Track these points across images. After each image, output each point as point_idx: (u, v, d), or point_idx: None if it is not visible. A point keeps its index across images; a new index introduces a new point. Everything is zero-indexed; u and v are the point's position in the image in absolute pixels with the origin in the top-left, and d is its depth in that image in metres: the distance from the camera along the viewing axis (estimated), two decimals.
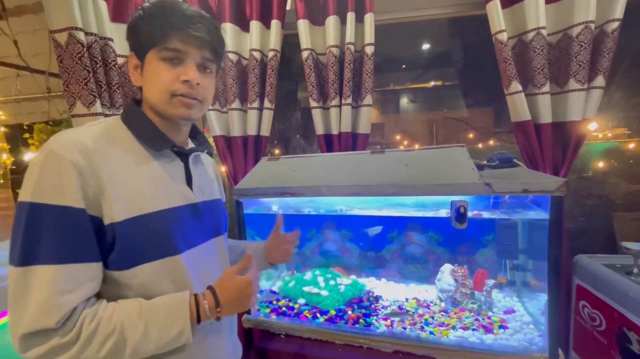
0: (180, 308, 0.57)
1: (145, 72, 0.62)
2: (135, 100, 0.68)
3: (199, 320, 0.59)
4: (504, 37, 1.19)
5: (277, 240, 0.90)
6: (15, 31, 1.84)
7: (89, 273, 0.53)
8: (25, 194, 0.51)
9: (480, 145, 2.12)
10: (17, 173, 2.71)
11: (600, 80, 1.16)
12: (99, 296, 0.57)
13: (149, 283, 0.58)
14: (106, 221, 0.54)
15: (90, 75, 1.10)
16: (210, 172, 0.80)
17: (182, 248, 0.62)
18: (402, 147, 2.15)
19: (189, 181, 0.68)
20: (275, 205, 1.39)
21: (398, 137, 2.29)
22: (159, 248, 0.59)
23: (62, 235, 0.51)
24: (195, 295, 0.61)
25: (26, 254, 0.50)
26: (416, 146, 2.14)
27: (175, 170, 0.66)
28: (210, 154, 0.80)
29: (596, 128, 1.81)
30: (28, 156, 2.37)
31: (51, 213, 0.50)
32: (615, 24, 1.12)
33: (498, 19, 1.18)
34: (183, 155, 0.69)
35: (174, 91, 0.60)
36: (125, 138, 0.61)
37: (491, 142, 2.11)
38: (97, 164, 0.54)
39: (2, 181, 2.65)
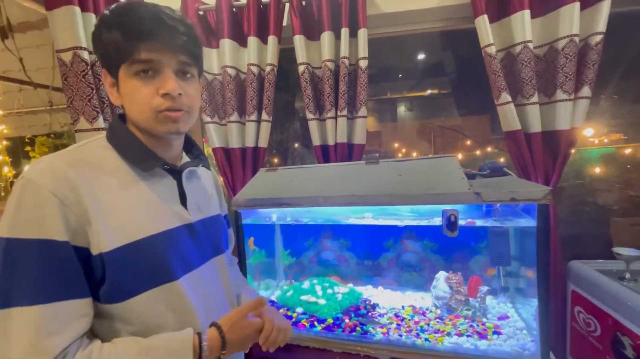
0: (183, 350, 0.53)
1: (122, 90, 0.57)
2: (120, 116, 0.63)
3: None
4: (492, 50, 1.23)
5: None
6: (19, 46, 1.90)
7: (78, 311, 0.49)
8: (2, 229, 0.47)
9: (478, 152, 2.15)
10: None
11: (586, 91, 1.20)
12: (92, 332, 0.53)
13: (146, 314, 0.54)
14: (94, 252, 0.50)
15: (94, 92, 1.14)
16: (209, 186, 0.76)
17: (180, 272, 0.59)
18: (399, 155, 2.19)
19: (183, 199, 0.64)
20: (275, 214, 1.42)
21: (396, 145, 2.33)
22: (154, 275, 0.55)
23: (44, 271, 0.47)
24: (199, 335, 0.56)
25: (3, 295, 0.45)
26: (414, 154, 2.18)
27: (167, 190, 0.62)
28: (207, 167, 0.75)
29: (592, 134, 1.83)
30: None
31: (30, 249, 0.46)
32: (599, 37, 1.16)
33: (486, 33, 1.23)
34: (175, 172, 0.64)
35: (156, 107, 0.55)
36: (110, 159, 0.57)
37: (489, 149, 2.14)
38: (81, 190, 0.50)
39: (3, 194, 2.68)
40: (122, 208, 0.55)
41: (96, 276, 0.51)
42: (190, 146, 0.73)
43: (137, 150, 0.59)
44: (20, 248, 0.46)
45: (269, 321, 0.64)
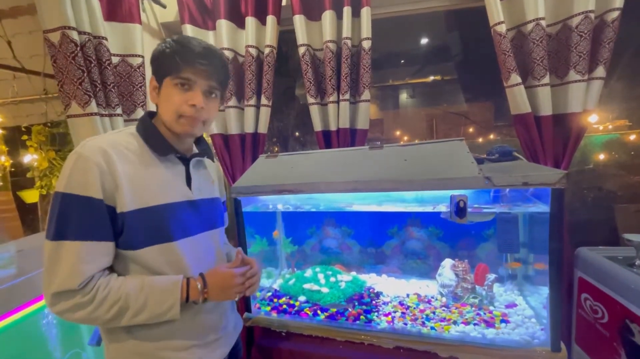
0: (173, 287, 0.69)
1: (162, 94, 0.75)
2: (149, 113, 0.81)
3: (187, 299, 0.71)
4: (502, 28, 1.17)
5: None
6: (11, 33, 1.83)
7: (104, 250, 0.67)
8: (60, 186, 0.65)
9: (480, 139, 2.10)
10: (17, 175, 2.70)
11: (600, 71, 1.15)
12: (112, 269, 0.71)
13: (150, 263, 0.71)
14: (118, 211, 0.67)
15: (85, 74, 1.09)
16: (212, 175, 0.92)
17: (178, 236, 0.74)
18: (401, 143, 2.14)
19: (189, 182, 0.80)
20: (281, 204, 1.39)
21: (398, 133, 2.28)
22: (157, 235, 0.71)
23: (86, 218, 0.65)
24: (188, 279, 0.73)
25: (58, 232, 0.63)
26: (416, 141, 2.13)
27: (177, 173, 0.79)
28: (211, 158, 0.92)
29: (597, 121, 1.79)
30: (27, 158, 2.35)
31: (78, 201, 0.64)
32: (616, 13, 1.10)
33: (496, 10, 1.17)
34: (185, 160, 0.81)
35: (182, 112, 0.73)
36: (138, 145, 0.75)
37: (491, 136, 2.09)
38: (114, 165, 0.67)
39: (1, 183, 2.64)
40: (141, 181, 0.71)
41: (118, 229, 0.68)
42: (200, 141, 0.90)
43: (158, 140, 0.76)
44: (71, 200, 0.64)
45: (240, 270, 0.79)
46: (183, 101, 0.72)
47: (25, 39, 2.15)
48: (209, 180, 0.89)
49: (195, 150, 0.87)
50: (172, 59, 0.71)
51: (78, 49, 1.07)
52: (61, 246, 0.63)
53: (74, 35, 1.07)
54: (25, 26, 2.16)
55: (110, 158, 0.67)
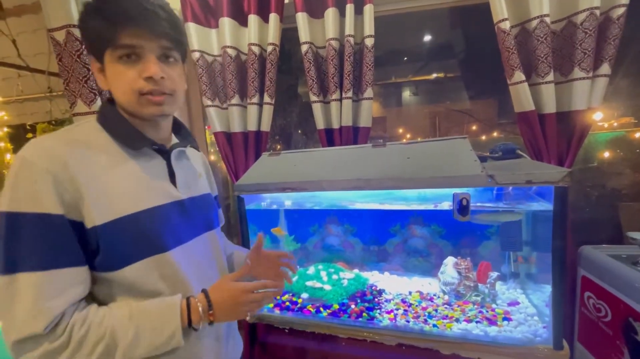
0: (171, 311, 0.57)
1: (108, 74, 0.60)
2: (110, 100, 0.65)
3: (190, 323, 0.59)
4: (506, 25, 1.16)
5: (261, 259, 0.82)
6: (16, 31, 1.84)
7: (74, 278, 0.53)
8: (2, 204, 0.51)
9: (483, 137, 2.09)
10: None
11: (605, 68, 1.14)
12: (92, 297, 0.58)
13: (139, 281, 0.58)
14: (88, 225, 0.54)
15: (90, 72, 1.10)
16: (198, 167, 0.78)
17: (171, 245, 0.62)
18: (404, 140, 2.14)
19: (172, 178, 0.67)
20: (284, 202, 1.39)
21: (400, 131, 2.27)
22: (145, 247, 0.59)
23: (43, 241, 0.51)
24: (188, 298, 0.60)
25: (8, 262, 0.50)
26: (418, 139, 2.12)
27: (157, 168, 0.65)
28: (196, 148, 0.78)
29: (602, 118, 1.78)
30: None
31: (29, 221, 0.50)
32: (621, 10, 1.09)
33: (500, 7, 1.16)
34: (164, 152, 0.67)
35: (139, 90, 0.58)
36: (101, 139, 0.60)
37: (494, 134, 2.08)
38: (73, 168, 0.53)
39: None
40: (113, 185, 0.57)
41: (92, 247, 0.55)
42: (179, 128, 0.75)
43: (126, 130, 0.62)
44: (20, 220, 0.50)
45: (255, 283, 0.67)
46: (135, 76, 0.57)
47: (30, 37, 2.16)
48: (195, 173, 0.75)
49: (175, 139, 0.73)
50: (101, 26, 0.55)
51: (83, 47, 1.08)
52: (15, 281, 0.49)
53: (79, 33, 1.07)
54: (29, 25, 2.17)
55: (67, 159, 0.53)
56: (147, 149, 0.64)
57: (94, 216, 0.54)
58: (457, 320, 1.04)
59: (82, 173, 0.54)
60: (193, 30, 1.41)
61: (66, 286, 0.52)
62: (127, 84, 0.58)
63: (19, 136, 2.75)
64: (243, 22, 1.42)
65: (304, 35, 1.35)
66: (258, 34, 1.39)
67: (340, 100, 1.36)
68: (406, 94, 2.33)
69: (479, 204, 1.08)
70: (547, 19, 1.14)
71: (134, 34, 0.56)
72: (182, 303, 0.59)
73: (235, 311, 0.63)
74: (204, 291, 0.63)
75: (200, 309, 0.59)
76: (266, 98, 1.40)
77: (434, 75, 2.17)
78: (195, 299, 0.60)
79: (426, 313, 1.09)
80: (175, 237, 0.63)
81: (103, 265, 0.56)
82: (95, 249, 0.55)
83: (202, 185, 0.77)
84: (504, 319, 1.02)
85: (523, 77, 1.17)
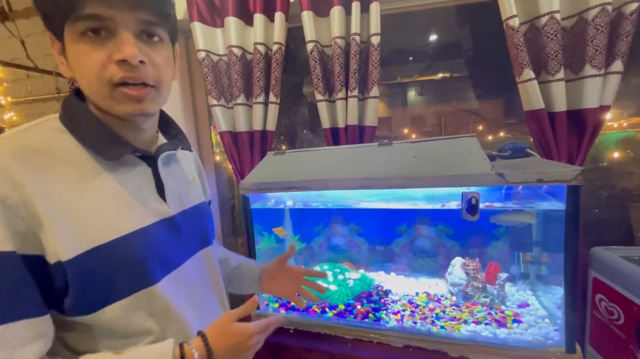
0: None
1: (69, 56, 0.45)
2: (78, 91, 0.50)
3: None
4: (515, 22, 1.14)
5: (282, 272, 0.74)
6: (24, 33, 1.86)
7: (31, 332, 0.41)
8: None
9: (490, 137, 2.07)
10: None
11: (618, 65, 1.11)
12: (64, 345, 0.47)
13: (122, 323, 0.47)
14: (51, 260, 0.42)
15: None
16: (190, 170, 0.67)
17: (159, 275, 0.51)
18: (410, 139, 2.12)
19: (160, 190, 0.54)
20: (293, 200, 1.38)
21: (406, 131, 2.25)
22: (128, 282, 0.47)
23: None
24: (181, 345, 0.49)
25: None
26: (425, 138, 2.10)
27: (141, 180, 0.52)
28: (188, 149, 0.65)
29: (611, 118, 1.74)
30: None
31: None
32: (634, 5, 1.06)
33: (509, 4, 1.14)
34: (149, 158, 0.54)
35: (109, 78, 0.44)
36: (65, 146, 0.46)
37: (501, 134, 2.06)
38: (28, 188, 0.40)
39: None
40: (84, 206, 0.45)
41: (57, 287, 0.43)
42: (166, 124, 0.61)
43: (99, 134, 0.47)
44: None
45: (263, 323, 0.57)
46: (104, 59, 0.43)
47: (38, 38, 2.19)
48: (187, 179, 0.63)
49: (162, 139, 0.60)
50: None
51: None
52: None
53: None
54: (38, 26, 2.19)
55: (18, 177, 0.40)
56: (128, 156, 0.50)
57: (58, 249, 0.42)
58: (466, 322, 1.02)
59: (40, 194, 0.41)
60: (199, 30, 1.41)
61: (21, 344, 0.40)
62: (93, 70, 0.43)
63: None
64: (249, 22, 1.42)
65: (309, 33, 1.34)
66: (264, 33, 1.38)
67: (346, 98, 1.35)
68: (412, 94, 2.31)
69: (487, 203, 1.07)
70: (558, 16, 1.12)
71: (102, 1, 0.41)
72: (174, 351, 0.47)
73: (238, 356, 0.53)
74: (200, 334, 0.51)
75: (196, 356, 0.48)
76: (272, 98, 1.40)
77: (440, 75, 2.15)
78: (190, 347, 0.49)
79: (433, 314, 1.07)
80: (164, 264, 0.52)
81: (74, 308, 0.44)
82: (63, 288, 0.43)
83: (196, 193, 0.65)
84: (514, 321, 1.00)
85: (532, 75, 1.15)
